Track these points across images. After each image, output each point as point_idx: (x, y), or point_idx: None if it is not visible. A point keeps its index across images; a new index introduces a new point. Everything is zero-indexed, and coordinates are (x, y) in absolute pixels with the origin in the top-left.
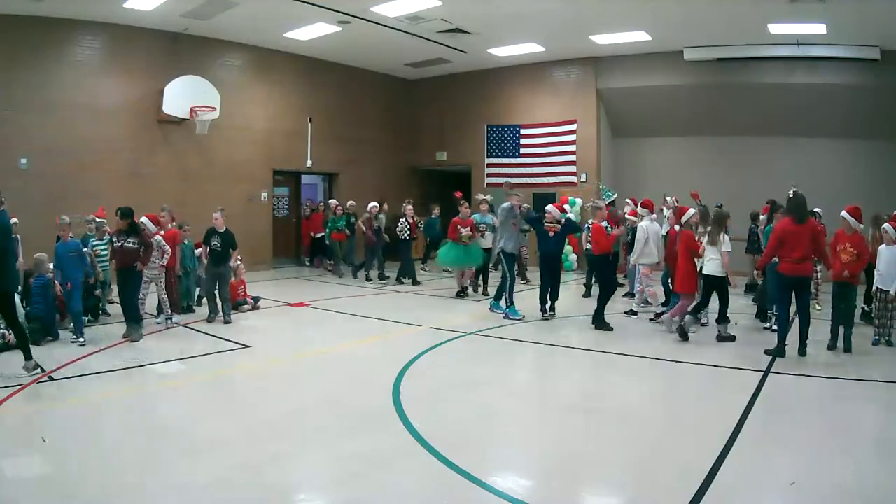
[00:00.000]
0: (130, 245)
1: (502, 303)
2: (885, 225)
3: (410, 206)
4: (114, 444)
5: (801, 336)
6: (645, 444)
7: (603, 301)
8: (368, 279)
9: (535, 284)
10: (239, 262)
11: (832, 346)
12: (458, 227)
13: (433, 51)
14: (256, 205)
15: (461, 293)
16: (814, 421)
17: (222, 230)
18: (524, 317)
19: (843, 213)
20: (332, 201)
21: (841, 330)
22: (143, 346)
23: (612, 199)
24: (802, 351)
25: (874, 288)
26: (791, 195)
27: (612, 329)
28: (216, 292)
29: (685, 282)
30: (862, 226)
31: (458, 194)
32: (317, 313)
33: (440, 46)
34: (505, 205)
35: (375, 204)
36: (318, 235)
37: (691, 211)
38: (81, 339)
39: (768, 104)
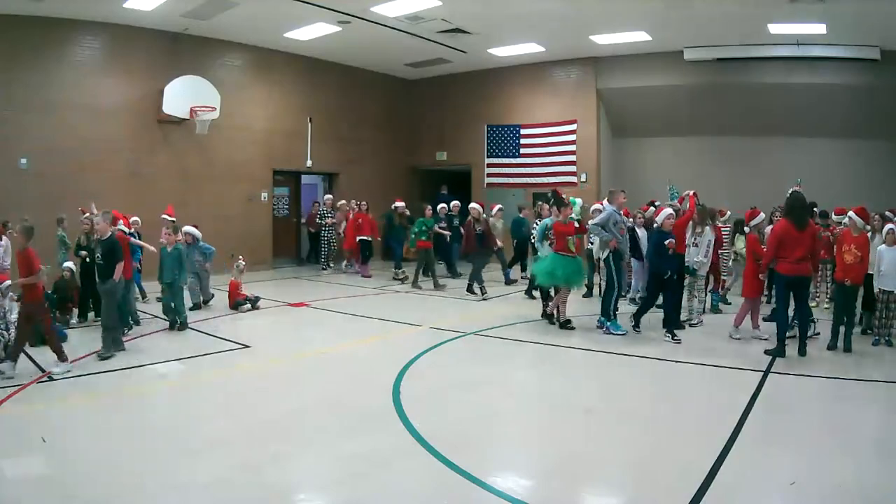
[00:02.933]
0: None
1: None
2: (889, 226)
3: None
4: (114, 444)
5: (801, 336)
6: (645, 444)
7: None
8: (484, 294)
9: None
10: (242, 263)
11: (832, 346)
12: (563, 233)
13: (433, 51)
14: (256, 205)
15: (568, 323)
16: (814, 421)
17: (105, 237)
18: (627, 332)
19: (850, 214)
20: (400, 204)
21: (841, 330)
22: (143, 347)
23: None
24: (802, 351)
25: (876, 289)
26: (789, 194)
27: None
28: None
29: (746, 285)
30: (869, 227)
31: (560, 192)
32: (317, 313)
33: (440, 46)
34: (608, 208)
35: (475, 206)
36: (364, 238)
37: (761, 215)
38: None
39: (768, 104)
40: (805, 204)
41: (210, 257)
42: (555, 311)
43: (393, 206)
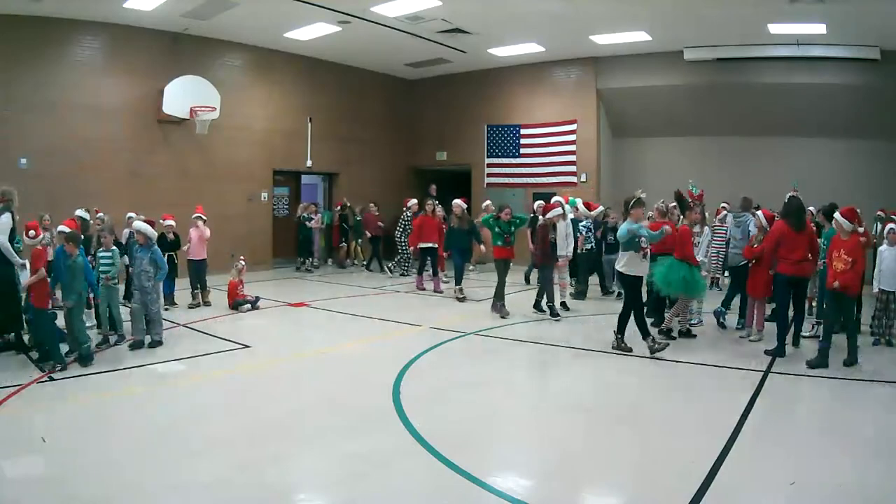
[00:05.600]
0: None
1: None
2: (891, 225)
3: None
4: (114, 445)
5: (796, 328)
6: (645, 444)
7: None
8: (555, 313)
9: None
10: (241, 263)
11: (849, 362)
12: (689, 239)
13: (433, 51)
14: (256, 205)
15: (689, 331)
16: (814, 421)
17: None
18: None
19: (836, 216)
20: (459, 200)
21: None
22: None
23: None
24: (796, 341)
25: (876, 289)
26: (787, 199)
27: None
28: None
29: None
30: (861, 228)
31: (691, 194)
32: (317, 313)
33: (440, 46)
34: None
35: (559, 210)
36: (429, 245)
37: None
38: None
39: (768, 104)
40: (803, 207)
41: (160, 276)
42: (673, 323)
43: (453, 204)
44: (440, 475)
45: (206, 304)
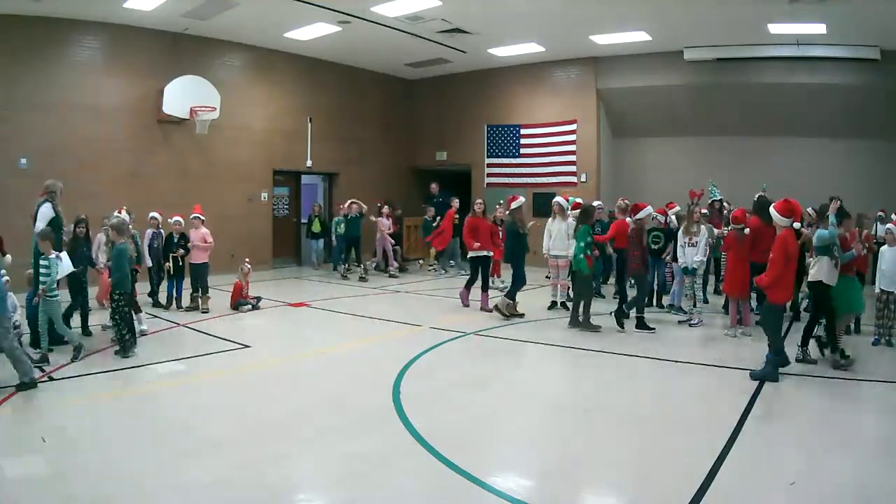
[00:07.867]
0: None
1: None
2: (889, 226)
3: None
4: (114, 444)
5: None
6: (645, 444)
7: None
8: (648, 326)
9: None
10: (247, 265)
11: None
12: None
13: (433, 51)
14: (256, 205)
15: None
16: (814, 421)
17: None
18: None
19: (770, 209)
20: (519, 202)
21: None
22: (142, 347)
23: (718, 198)
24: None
25: (876, 289)
26: (756, 198)
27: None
28: None
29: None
30: (797, 224)
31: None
32: (317, 313)
33: (440, 46)
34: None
35: (649, 209)
36: (482, 254)
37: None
38: None
39: (768, 104)
40: (769, 204)
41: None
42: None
43: (511, 206)
44: (440, 475)
45: (205, 311)
